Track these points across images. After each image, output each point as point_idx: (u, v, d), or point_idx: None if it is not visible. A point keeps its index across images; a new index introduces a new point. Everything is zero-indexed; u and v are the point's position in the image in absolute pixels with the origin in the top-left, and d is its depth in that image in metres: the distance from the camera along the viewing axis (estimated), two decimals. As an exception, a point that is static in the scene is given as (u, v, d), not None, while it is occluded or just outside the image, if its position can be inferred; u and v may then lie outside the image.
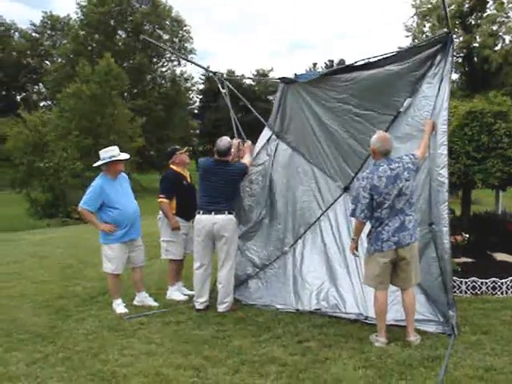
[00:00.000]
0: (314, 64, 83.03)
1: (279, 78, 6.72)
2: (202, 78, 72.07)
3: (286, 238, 6.91)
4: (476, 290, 6.73)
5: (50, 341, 5.39)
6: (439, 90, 5.55)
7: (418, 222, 5.24)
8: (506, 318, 5.75)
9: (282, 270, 6.87)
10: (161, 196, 6.87)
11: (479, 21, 27.25)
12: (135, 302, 6.73)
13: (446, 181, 5.32)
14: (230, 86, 7.13)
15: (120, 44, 43.06)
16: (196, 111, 69.24)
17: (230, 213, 6.31)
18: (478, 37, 26.43)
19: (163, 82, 44.87)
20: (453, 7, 26.91)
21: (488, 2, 26.38)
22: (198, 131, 63.69)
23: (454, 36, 27.72)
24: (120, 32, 43.64)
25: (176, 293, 7.07)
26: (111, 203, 6.39)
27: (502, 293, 6.72)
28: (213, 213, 6.21)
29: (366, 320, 5.77)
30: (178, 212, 6.95)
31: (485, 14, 26.59)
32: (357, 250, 5.28)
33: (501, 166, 7.98)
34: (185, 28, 43.77)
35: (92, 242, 13.09)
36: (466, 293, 6.71)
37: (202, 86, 71.40)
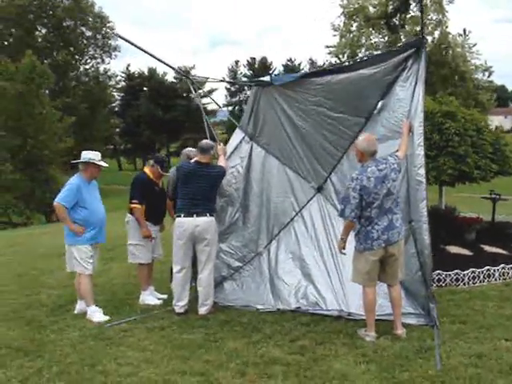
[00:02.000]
0: (237, 61, 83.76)
1: (254, 81, 6.79)
2: (123, 75, 71.07)
3: (260, 239, 6.99)
4: (441, 283, 7.10)
5: (36, 355, 5.18)
6: (414, 92, 5.81)
7: (399, 219, 5.48)
8: (477, 307, 6.14)
9: (257, 270, 6.94)
10: (134, 202, 6.76)
11: (402, 22, 28.28)
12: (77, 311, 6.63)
13: (424, 180, 5.60)
14: (201, 88, 7.07)
15: (40, 40, 41.37)
16: (117, 109, 68.00)
17: (211, 215, 6.32)
18: (402, 37, 27.42)
19: (87, 79, 43.48)
20: (377, 8, 27.82)
21: (411, 4, 27.45)
22: (117, 130, 62.50)
23: (380, 36, 28.85)
24: (40, 27, 41.87)
25: (150, 297, 6.99)
26: (84, 203, 6.34)
27: (464, 284, 7.13)
28: (194, 215, 6.20)
29: (350, 316, 5.96)
30: (147, 216, 6.85)
31: (408, 16, 27.63)
32: (344, 248, 5.43)
33: (452, 164, 8.42)
34: (108, 24, 42.66)
35: (35, 248, 12.69)
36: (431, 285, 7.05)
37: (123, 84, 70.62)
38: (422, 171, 5.61)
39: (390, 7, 28.05)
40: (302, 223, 6.93)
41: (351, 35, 29.30)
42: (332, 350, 5.02)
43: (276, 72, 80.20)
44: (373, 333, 5.27)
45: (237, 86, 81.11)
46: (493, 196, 10.54)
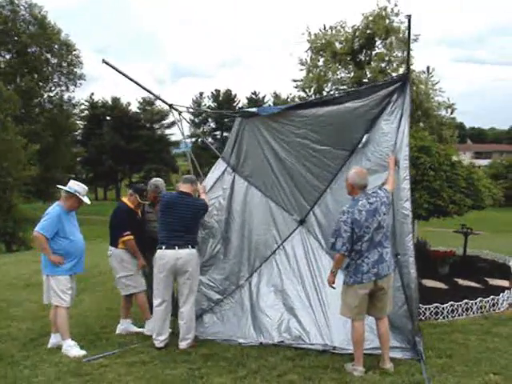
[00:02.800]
0: (201, 93, 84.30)
1: (238, 112, 6.79)
2: (86, 104, 70.56)
3: (242, 271, 6.91)
4: (421, 316, 7.11)
5: (11, 393, 4.94)
6: (399, 126, 5.90)
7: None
8: (460, 340, 6.16)
9: (238, 303, 6.83)
10: (126, 234, 6.62)
11: (367, 58, 29.07)
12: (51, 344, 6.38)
13: (410, 213, 5.66)
14: (185, 118, 7.01)
15: (3, 66, 40.69)
16: (79, 138, 67.28)
17: (193, 247, 6.21)
18: (368, 73, 28.13)
19: (51, 106, 42.85)
20: (343, 44, 28.54)
21: (376, 41, 28.26)
22: (78, 159, 61.64)
23: (346, 71, 29.49)
24: (3, 53, 41.27)
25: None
26: (64, 233, 6.18)
27: (443, 317, 7.16)
28: (176, 247, 6.08)
29: (335, 350, 5.89)
30: None
31: (374, 52, 28.43)
32: (334, 282, 5.38)
33: (427, 198, 8.58)
34: (74, 52, 42.30)
35: (-1, 278, 12.21)
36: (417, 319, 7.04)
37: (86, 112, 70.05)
38: (408, 205, 5.68)
39: (356, 44, 28.88)
40: (284, 256, 6.88)
41: (318, 70, 29.96)
42: (322, 385, 4.94)
43: (240, 105, 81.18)
44: (361, 367, 5.22)
45: (200, 118, 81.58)
46: (464, 230, 10.72)
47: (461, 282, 9.07)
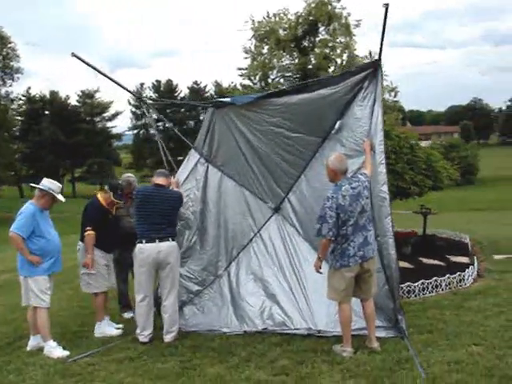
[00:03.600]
0: (142, 84, 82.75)
1: (211, 102, 6.77)
2: (23, 98, 68.08)
3: (220, 261, 6.93)
4: (395, 295, 7.33)
5: (0, 400, 4.81)
6: (372, 111, 6.04)
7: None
8: (436, 316, 6.42)
9: (217, 293, 6.86)
10: (88, 228, 6.47)
11: (311, 45, 29.39)
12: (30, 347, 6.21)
13: (387, 196, 5.81)
14: (155, 112, 6.93)
15: None
16: (17, 134, 64.92)
17: (173, 239, 6.18)
18: (312, 59, 28.46)
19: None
20: (287, 31, 28.73)
21: (319, 28, 28.59)
22: (16, 156, 59.53)
23: (290, 58, 29.71)
24: None
25: (108, 327, 6.68)
26: (40, 232, 6.03)
27: (415, 295, 7.41)
28: (157, 240, 6.03)
29: (319, 333, 6.01)
30: (99, 243, 6.56)
31: (318, 39, 28.75)
32: (321, 267, 5.49)
33: (391, 181, 8.79)
34: (9, 45, 40.70)
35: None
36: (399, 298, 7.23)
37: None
38: (385, 188, 5.83)
39: (300, 30, 29.12)
40: (261, 244, 6.94)
41: (263, 57, 30.06)
42: (315, 367, 5.04)
43: (182, 95, 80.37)
44: (350, 348, 5.35)
45: (142, 110, 80.00)
46: (423, 210, 11.08)
47: (425, 260, 9.41)
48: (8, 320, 7.56)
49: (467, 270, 8.18)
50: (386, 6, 4.99)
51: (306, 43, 29.47)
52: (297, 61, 29.28)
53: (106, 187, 6.73)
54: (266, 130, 6.53)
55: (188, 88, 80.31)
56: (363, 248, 5.28)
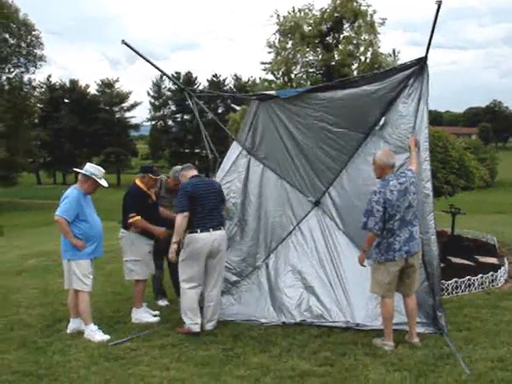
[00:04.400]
0: (161, 75, 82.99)
1: (256, 95, 6.83)
2: (44, 86, 68.68)
3: (258, 253, 7.00)
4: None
5: (51, 378, 4.89)
6: (417, 109, 6.07)
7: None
8: (473, 314, 6.46)
9: (255, 285, 6.94)
10: (133, 214, 6.56)
11: (335, 41, 29.31)
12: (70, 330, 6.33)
13: (431, 193, 5.86)
14: (199, 102, 7.01)
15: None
16: (36, 121, 65.51)
17: (224, 228, 6.31)
18: (336, 56, 28.38)
19: (9, 88, 41.42)
20: (312, 27, 28.66)
21: (344, 24, 28.51)
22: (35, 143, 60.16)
23: (314, 54, 29.64)
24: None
25: (145, 314, 6.79)
26: (84, 216, 6.13)
27: (448, 294, 7.43)
28: (211, 229, 6.08)
29: (358, 327, 6.07)
30: (141, 230, 6.68)
31: (342, 36, 28.67)
32: (364, 260, 5.54)
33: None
34: (33, 33, 41.00)
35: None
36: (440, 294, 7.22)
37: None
38: (429, 185, 5.86)
39: (324, 27, 29.06)
40: (300, 237, 7.00)
41: (286, 52, 30.04)
42: (357, 360, 5.11)
43: (201, 87, 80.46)
44: (391, 342, 5.42)
45: (161, 101, 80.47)
46: (453, 210, 11.05)
47: (454, 260, 9.41)
48: (44, 303, 7.69)
49: (499, 270, 8.19)
50: (439, 2, 5.01)
51: (330, 40, 29.40)
52: (320, 57, 29.20)
53: (141, 173, 6.81)
54: (310, 123, 6.58)
55: (208, 80, 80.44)
56: (409, 243, 5.33)
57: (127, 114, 78.64)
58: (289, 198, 7.02)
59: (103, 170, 6.38)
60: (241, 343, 5.73)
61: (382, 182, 5.38)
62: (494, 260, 9.66)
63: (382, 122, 6.36)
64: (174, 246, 6.10)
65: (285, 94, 6.56)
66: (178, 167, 7.14)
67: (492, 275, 7.94)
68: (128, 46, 5.99)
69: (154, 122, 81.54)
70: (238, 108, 52.14)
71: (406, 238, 5.32)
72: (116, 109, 77.67)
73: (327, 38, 29.37)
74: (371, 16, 28.19)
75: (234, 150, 6.99)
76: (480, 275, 7.81)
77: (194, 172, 6.39)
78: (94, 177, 6.19)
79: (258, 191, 6.95)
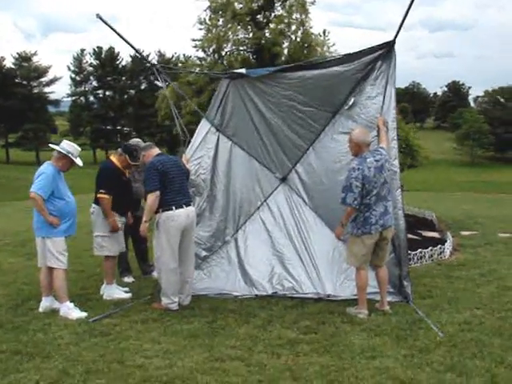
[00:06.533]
0: (82, 50, 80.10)
1: (228, 73, 6.91)
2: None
3: (227, 228, 7.14)
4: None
5: (42, 355, 4.82)
6: (385, 90, 6.38)
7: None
8: (431, 283, 6.96)
9: (225, 259, 7.09)
10: (101, 191, 6.52)
11: (266, 20, 29.46)
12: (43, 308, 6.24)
13: (398, 170, 6.24)
14: (168, 79, 7.00)
15: None
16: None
17: (193, 205, 6.38)
18: (267, 34, 28.54)
19: None
20: (243, 5, 28.65)
21: (275, 3, 28.71)
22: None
23: (245, 32, 29.65)
24: None
25: (117, 290, 6.80)
26: (59, 194, 6.07)
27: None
28: (184, 206, 6.14)
29: (329, 297, 6.38)
30: (114, 207, 6.64)
31: (273, 14, 28.87)
32: (342, 234, 5.84)
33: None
34: None
35: None
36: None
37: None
38: (396, 162, 6.25)
39: (256, 5, 29.10)
40: (268, 212, 7.19)
41: (217, 30, 29.84)
42: (338, 327, 5.41)
43: (123, 63, 78.52)
44: (365, 310, 5.76)
45: (82, 76, 77.79)
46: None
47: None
48: (5, 283, 7.49)
49: (446, 243, 8.79)
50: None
51: (261, 18, 29.51)
52: (251, 35, 29.27)
53: (120, 150, 6.77)
54: (279, 102, 6.75)
55: (130, 56, 78.37)
56: (383, 217, 5.66)
57: (46, 89, 75.65)
58: (257, 174, 7.17)
59: (79, 149, 6.29)
60: (221, 316, 5.88)
61: (359, 159, 5.66)
62: (435, 234, 10.34)
63: (350, 102, 6.62)
64: (145, 225, 6.15)
65: (255, 73, 6.69)
66: (136, 140, 7.17)
67: (440, 248, 8.51)
68: (102, 20, 5.91)
69: (74, 98, 78.80)
70: (160, 84, 51.25)
71: (382, 213, 5.65)
72: (34, 83, 74.42)
73: (258, 17, 29.45)
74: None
75: (204, 126, 7.05)
76: (430, 248, 8.36)
77: (157, 150, 6.43)
78: (69, 155, 6.09)
79: (226, 168, 7.05)
